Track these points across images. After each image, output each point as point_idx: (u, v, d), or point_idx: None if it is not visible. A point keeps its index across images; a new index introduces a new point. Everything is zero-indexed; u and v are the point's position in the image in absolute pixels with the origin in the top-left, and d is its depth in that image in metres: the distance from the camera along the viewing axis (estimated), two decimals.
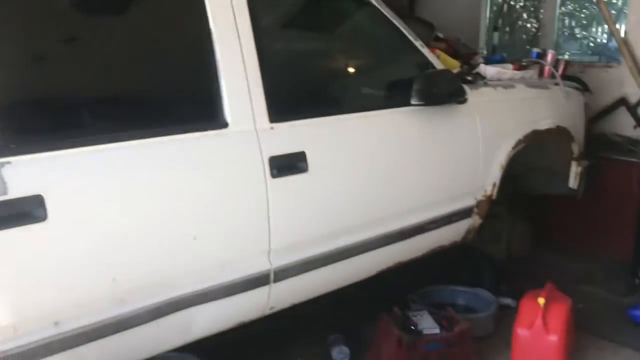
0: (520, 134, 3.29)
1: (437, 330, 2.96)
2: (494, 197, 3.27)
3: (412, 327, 2.97)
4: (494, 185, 3.25)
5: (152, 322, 2.08)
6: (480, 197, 3.23)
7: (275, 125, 2.31)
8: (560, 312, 2.93)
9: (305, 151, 2.37)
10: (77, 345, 1.90)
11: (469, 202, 3.19)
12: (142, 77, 2.18)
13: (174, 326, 2.17)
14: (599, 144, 4.19)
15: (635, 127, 4.21)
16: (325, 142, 2.50)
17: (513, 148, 3.26)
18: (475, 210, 3.22)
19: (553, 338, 2.86)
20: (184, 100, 2.23)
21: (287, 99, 2.47)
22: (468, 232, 3.27)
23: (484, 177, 3.21)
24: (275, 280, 2.39)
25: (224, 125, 2.18)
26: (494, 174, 3.24)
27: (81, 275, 1.87)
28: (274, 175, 2.27)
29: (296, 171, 2.35)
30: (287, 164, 2.32)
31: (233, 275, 2.26)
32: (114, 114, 2.08)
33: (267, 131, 2.28)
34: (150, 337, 2.13)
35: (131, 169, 1.98)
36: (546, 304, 2.90)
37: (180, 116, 2.17)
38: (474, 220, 3.25)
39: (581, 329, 3.27)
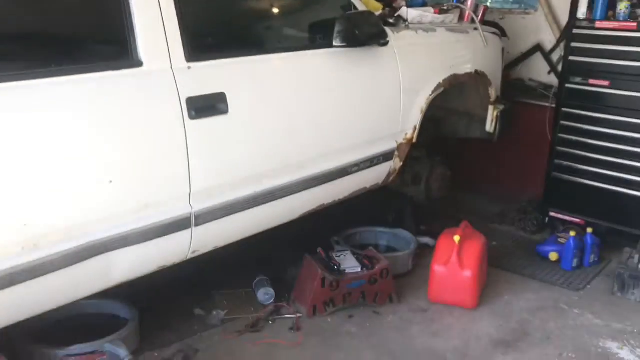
0: (440, 77, 3.36)
1: (359, 269, 3.06)
2: (414, 140, 3.34)
3: (335, 267, 3.06)
4: (415, 128, 3.32)
5: (69, 267, 2.03)
6: (401, 140, 3.29)
7: (192, 64, 2.24)
8: (474, 249, 3.09)
9: (225, 92, 2.33)
10: None
11: (391, 145, 3.25)
12: (48, 12, 2.05)
13: (92, 271, 2.13)
14: (515, 89, 4.34)
15: (549, 72, 4.37)
16: (246, 83, 2.46)
17: (433, 92, 3.33)
18: (397, 153, 3.29)
19: (467, 273, 3.02)
20: (94, 37, 2.13)
21: (206, 37, 2.40)
22: (389, 174, 3.34)
23: (405, 120, 3.27)
24: (197, 224, 2.37)
25: (138, 64, 2.10)
26: (415, 118, 3.30)
27: None
28: (192, 117, 2.22)
29: (216, 113, 2.31)
30: (206, 105, 2.27)
31: (153, 219, 2.22)
32: (19, 52, 1.96)
33: (184, 71, 2.21)
34: (67, 283, 2.08)
35: (39, 108, 1.88)
36: (461, 242, 3.05)
37: (90, 54, 2.08)
38: (395, 163, 3.32)
39: (494, 265, 3.47)
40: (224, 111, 2.33)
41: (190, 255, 2.47)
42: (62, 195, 1.94)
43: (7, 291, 1.89)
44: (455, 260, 3.02)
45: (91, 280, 2.17)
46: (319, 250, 3.18)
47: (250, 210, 2.57)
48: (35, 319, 2.12)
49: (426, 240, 3.65)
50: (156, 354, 2.61)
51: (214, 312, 2.97)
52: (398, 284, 3.19)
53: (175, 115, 2.18)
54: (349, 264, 3.09)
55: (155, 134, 2.15)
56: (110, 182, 2.04)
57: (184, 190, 2.29)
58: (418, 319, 3.03)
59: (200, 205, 2.35)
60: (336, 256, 3.15)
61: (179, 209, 2.30)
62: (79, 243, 2.03)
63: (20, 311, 2.03)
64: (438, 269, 3.07)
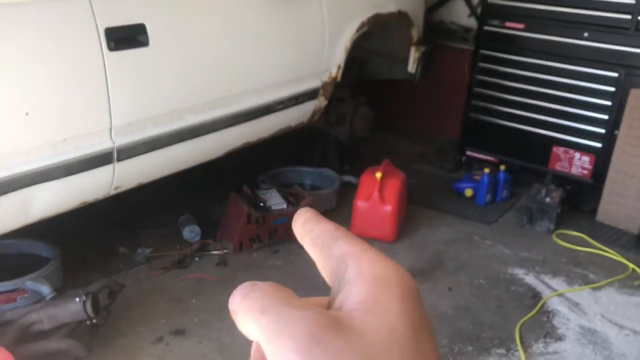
0: (364, 16, 3.38)
1: (284, 206, 3.13)
2: (338, 79, 3.38)
3: (261, 204, 3.11)
4: (339, 67, 3.36)
5: None
6: (325, 78, 3.32)
7: None
8: (394, 186, 3.21)
9: (146, 23, 2.27)
10: None
11: (315, 83, 3.27)
12: None
13: (10, 207, 2.08)
14: (436, 31, 4.43)
15: (469, 15, 4.48)
16: (167, 15, 2.40)
17: (357, 30, 3.35)
18: (321, 91, 3.32)
19: (387, 208, 3.14)
20: None
21: None
22: (314, 113, 3.38)
23: (330, 59, 3.29)
24: (119, 159, 2.34)
25: None
26: (339, 57, 3.33)
27: None
28: (111, 49, 2.16)
29: (136, 45, 2.25)
30: (126, 37, 2.21)
31: (73, 154, 2.18)
32: None
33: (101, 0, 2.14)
34: None
35: None
36: (382, 178, 3.16)
37: None
38: (320, 102, 3.36)
39: (413, 202, 3.62)
40: (145, 43, 2.27)
41: (113, 192, 2.44)
42: None
43: None
44: (377, 196, 3.14)
45: (9, 216, 2.12)
46: (245, 188, 3.21)
47: (174, 146, 2.55)
48: None
49: (349, 178, 3.75)
50: (80, 291, 2.59)
51: (139, 250, 2.97)
52: None
53: (94, 46, 2.11)
54: (275, 201, 3.15)
55: (73, 65, 2.09)
56: (27, 114, 1.98)
57: (105, 125, 2.24)
58: None
59: (123, 140, 2.32)
60: (262, 194, 3.20)
61: (101, 144, 2.25)
62: None
63: None
64: (360, 204, 3.18)
